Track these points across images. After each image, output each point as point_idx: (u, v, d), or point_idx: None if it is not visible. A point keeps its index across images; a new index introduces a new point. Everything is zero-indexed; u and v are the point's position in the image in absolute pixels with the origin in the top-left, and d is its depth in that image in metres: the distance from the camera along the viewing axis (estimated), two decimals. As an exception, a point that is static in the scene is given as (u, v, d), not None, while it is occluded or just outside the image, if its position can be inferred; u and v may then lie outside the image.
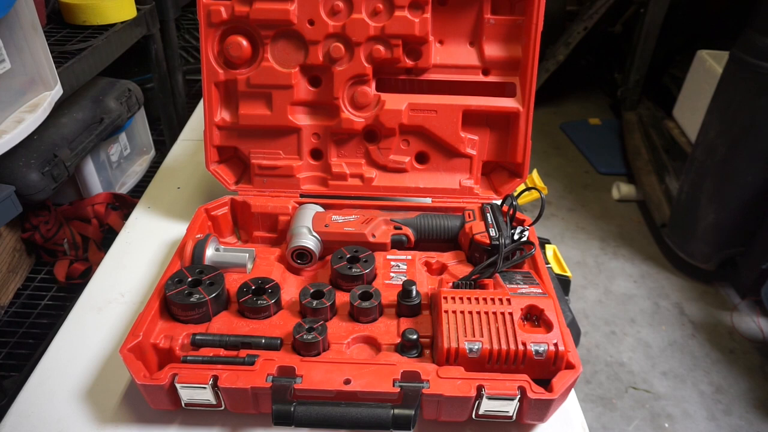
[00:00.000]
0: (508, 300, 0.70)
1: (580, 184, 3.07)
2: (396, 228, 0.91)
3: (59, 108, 1.23)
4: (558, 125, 3.61)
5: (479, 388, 0.64)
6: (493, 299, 0.71)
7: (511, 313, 0.69)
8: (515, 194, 0.93)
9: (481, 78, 0.97)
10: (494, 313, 0.69)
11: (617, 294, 2.35)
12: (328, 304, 0.76)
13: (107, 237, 1.39)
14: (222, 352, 0.71)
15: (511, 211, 0.90)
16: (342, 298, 0.80)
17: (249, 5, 0.91)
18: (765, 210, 2.02)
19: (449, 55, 0.96)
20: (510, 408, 0.65)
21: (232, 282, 0.83)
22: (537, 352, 0.66)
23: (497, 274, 0.80)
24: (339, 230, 0.89)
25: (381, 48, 0.93)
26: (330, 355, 0.72)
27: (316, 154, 1.01)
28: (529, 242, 0.85)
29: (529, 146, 0.97)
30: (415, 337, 0.71)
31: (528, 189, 0.96)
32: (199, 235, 0.89)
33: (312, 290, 0.78)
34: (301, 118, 0.98)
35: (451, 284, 0.81)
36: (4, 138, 0.95)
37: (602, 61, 3.97)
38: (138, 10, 1.50)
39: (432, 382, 0.64)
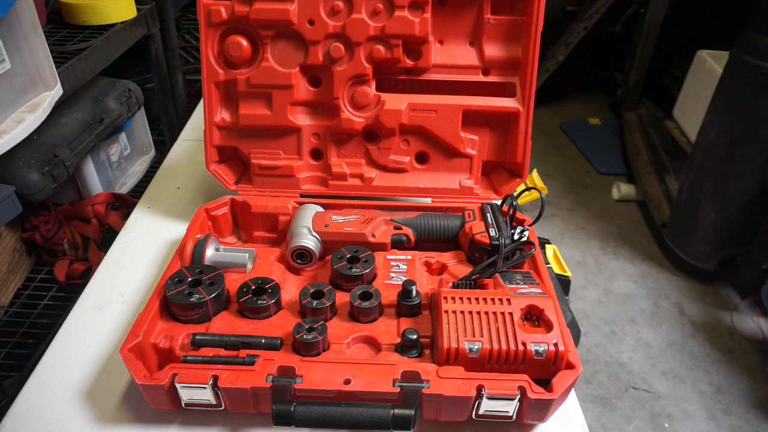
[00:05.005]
0: (508, 300, 0.70)
1: (580, 184, 3.07)
2: (396, 228, 0.91)
3: (59, 108, 1.23)
4: (558, 125, 3.61)
5: (479, 388, 0.64)
6: (493, 299, 0.71)
7: (511, 313, 0.69)
8: (515, 194, 0.93)
9: (481, 78, 0.97)
10: (494, 313, 0.69)
11: (617, 294, 2.35)
12: (328, 304, 0.76)
13: (107, 237, 1.39)
14: (222, 352, 0.71)
15: (511, 211, 0.90)
16: (342, 298, 0.80)
17: (249, 5, 0.91)
18: (765, 210, 2.02)
19: (449, 55, 0.96)
20: (510, 408, 0.65)
21: (232, 282, 0.83)
22: (537, 352, 0.66)
23: (497, 274, 0.80)
24: (339, 230, 0.89)
25: (381, 48, 0.93)
26: (330, 355, 0.72)
27: (316, 154, 1.01)
28: (529, 242, 0.85)
29: (529, 146, 0.97)
30: (415, 337, 0.71)
31: (528, 189, 0.96)
32: (199, 235, 0.89)
33: (312, 290, 0.78)
34: (301, 118, 0.98)
35: (451, 284, 0.81)
36: (4, 138, 0.95)
37: (602, 61, 3.97)
38: (138, 10, 1.50)
39: (432, 382, 0.64)
